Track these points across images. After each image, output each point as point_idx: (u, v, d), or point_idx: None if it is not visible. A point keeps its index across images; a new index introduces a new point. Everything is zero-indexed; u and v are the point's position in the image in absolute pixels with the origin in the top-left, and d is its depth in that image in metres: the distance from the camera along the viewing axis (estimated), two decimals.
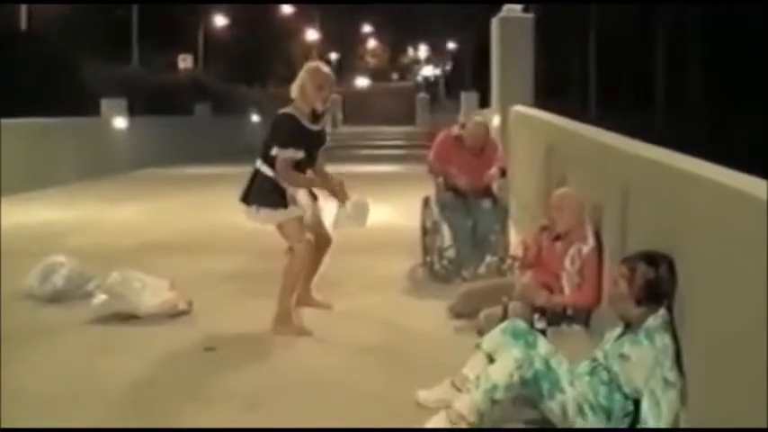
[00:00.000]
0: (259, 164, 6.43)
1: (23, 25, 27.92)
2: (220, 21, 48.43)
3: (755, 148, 23.47)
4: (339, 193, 6.60)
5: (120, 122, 21.77)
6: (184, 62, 41.66)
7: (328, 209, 6.79)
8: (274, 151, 6.29)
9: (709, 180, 4.04)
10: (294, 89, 6.44)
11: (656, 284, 4.36)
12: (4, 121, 15.56)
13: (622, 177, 5.54)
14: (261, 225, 6.64)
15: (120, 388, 5.31)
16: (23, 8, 27.96)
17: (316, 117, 6.45)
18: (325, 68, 6.54)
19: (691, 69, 37.17)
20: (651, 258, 4.44)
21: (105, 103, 21.78)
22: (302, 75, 6.44)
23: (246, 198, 6.47)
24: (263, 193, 6.36)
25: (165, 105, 27.45)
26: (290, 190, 6.37)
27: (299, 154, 6.31)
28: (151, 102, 26.66)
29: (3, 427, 4.28)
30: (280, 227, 6.44)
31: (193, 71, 41.19)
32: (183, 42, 42.24)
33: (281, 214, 6.37)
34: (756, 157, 17.49)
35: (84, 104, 21.69)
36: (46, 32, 28.09)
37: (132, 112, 22.51)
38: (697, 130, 28.98)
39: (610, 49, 42.15)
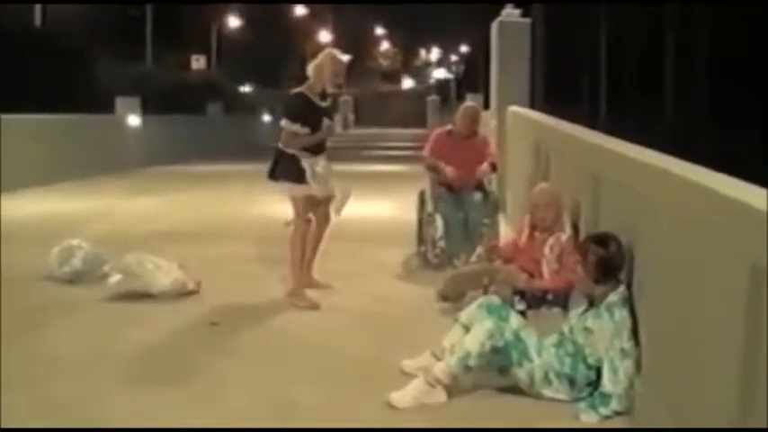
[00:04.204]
0: (280, 144, 7.18)
1: (38, 23, 28.15)
2: (234, 22, 48.74)
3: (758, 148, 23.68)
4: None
5: (133, 120, 22.02)
6: (197, 62, 41.99)
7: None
8: (282, 123, 7.11)
9: (668, 172, 4.42)
10: (311, 69, 7.20)
11: (607, 261, 4.85)
12: (21, 117, 15.93)
13: (595, 169, 5.98)
14: (282, 196, 7.33)
15: (137, 354, 5.88)
16: (38, 6, 28.06)
17: (325, 95, 7.23)
18: (342, 57, 7.24)
19: (698, 69, 37.28)
20: (600, 239, 4.95)
21: (120, 101, 22.05)
22: (322, 58, 7.21)
23: (273, 174, 7.19)
24: (287, 169, 7.09)
25: (178, 104, 27.71)
26: (309, 168, 7.06)
27: (304, 130, 7.05)
28: (164, 100, 26.90)
29: (3, 427, 4.45)
30: (294, 200, 7.15)
31: (206, 71, 41.52)
32: (196, 42, 42.56)
33: (298, 189, 7.09)
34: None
35: (98, 102, 21.89)
36: (60, 30, 28.18)
37: (146, 110, 22.77)
38: (703, 131, 29.14)
39: (619, 51, 42.29)
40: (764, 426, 3.08)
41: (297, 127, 7.05)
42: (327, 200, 7.33)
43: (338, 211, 7.41)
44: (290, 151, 7.09)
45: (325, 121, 7.17)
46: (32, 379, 5.26)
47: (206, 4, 43.67)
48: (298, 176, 7.05)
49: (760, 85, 28.93)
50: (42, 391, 5.07)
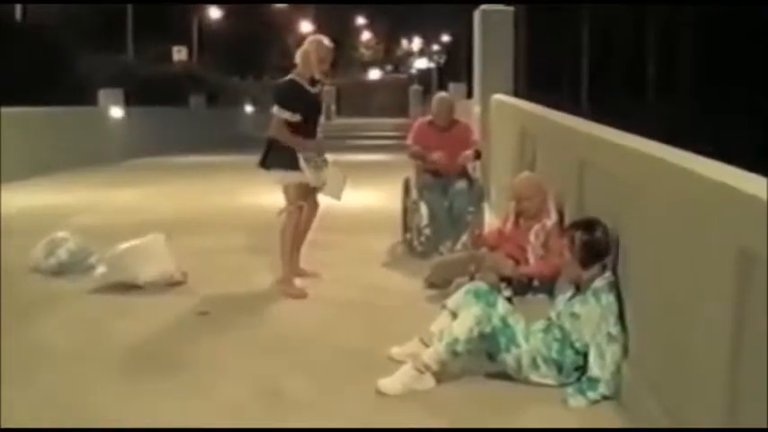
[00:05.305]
0: (270, 132, 7.21)
1: (18, 16, 28.05)
2: (215, 13, 48.55)
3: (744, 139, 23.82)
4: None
5: (116, 112, 21.91)
6: (179, 54, 41.75)
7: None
8: (274, 110, 7.09)
9: (653, 157, 4.46)
10: (298, 56, 7.22)
11: (593, 246, 4.92)
12: (3, 110, 15.76)
13: (580, 155, 6.03)
14: (274, 184, 7.31)
15: (126, 345, 5.87)
16: None
17: (314, 82, 7.23)
18: (328, 43, 7.27)
19: (681, 61, 37.43)
20: (585, 225, 5.03)
21: (102, 93, 21.93)
22: (307, 45, 7.23)
23: (264, 163, 7.19)
24: (280, 157, 7.10)
25: (160, 96, 27.60)
26: (302, 154, 7.07)
27: (296, 117, 7.05)
28: (146, 92, 26.76)
29: (3, 427, 4.43)
30: (285, 188, 7.16)
31: (188, 63, 41.32)
32: (177, 34, 42.32)
33: (291, 176, 7.10)
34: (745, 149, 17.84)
35: (80, 94, 21.71)
36: (41, 23, 28.06)
37: (128, 102, 22.62)
38: (687, 122, 29.26)
39: (602, 43, 42.41)
40: (764, 426, 3.09)
41: (287, 114, 7.04)
42: (317, 187, 7.34)
43: (338, 196, 7.43)
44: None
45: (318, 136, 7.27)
46: (24, 374, 5.24)
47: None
48: (291, 164, 7.04)
49: (752, 77, 29.09)
50: (35, 386, 5.06)
